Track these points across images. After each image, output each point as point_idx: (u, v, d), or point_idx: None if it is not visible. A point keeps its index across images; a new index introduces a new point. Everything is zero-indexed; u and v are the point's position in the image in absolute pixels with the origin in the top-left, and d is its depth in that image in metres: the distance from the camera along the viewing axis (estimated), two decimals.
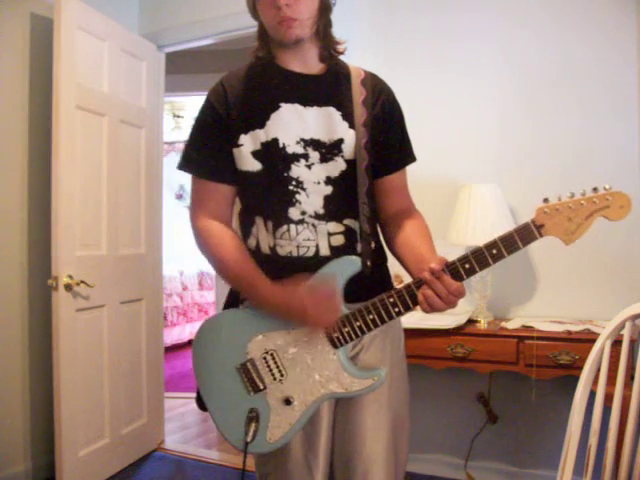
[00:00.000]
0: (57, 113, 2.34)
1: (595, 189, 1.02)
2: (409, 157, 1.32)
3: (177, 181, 6.95)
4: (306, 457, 1.21)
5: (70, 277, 2.36)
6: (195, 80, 4.15)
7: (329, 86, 1.25)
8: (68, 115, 2.39)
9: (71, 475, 2.35)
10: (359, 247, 1.22)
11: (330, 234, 1.20)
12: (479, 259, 1.06)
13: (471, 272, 1.06)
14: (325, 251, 1.20)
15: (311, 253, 1.19)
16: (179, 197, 7.13)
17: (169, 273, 5.28)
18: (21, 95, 2.56)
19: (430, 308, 1.07)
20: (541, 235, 1.04)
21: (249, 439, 1.15)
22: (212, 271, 6.14)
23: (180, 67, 3.87)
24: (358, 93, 1.24)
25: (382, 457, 1.21)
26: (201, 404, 1.26)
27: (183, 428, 3.29)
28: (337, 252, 1.20)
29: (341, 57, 1.30)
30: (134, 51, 2.84)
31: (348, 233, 1.21)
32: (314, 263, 1.18)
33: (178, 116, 6.35)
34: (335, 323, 1.14)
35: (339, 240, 1.20)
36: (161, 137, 3.15)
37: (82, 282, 2.39)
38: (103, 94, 2.61)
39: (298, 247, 1.20)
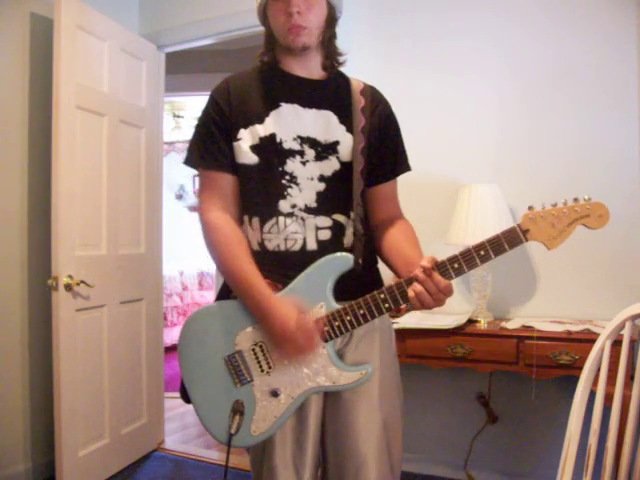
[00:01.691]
0: (57, 113, 2.34)
1: (576, 199, 1.09)
2: (402, 167, 1.37)
3: (177, 181, 6.95)
4: (293, 456, 1.22)
5: (70, 277, 2.36)
6: (195, 80, 4.15)
7: (329, 91, 1.30)
8: (68, 115, 2.39)
9: (71, 475, 2.35)
10: (345, 242, 1.25)
11: (318, 228, 1.23)
12: (467, 259, 1.10)
13: (459, 272, 1.11)
14: (312, 245, 1.22)
15: (298, 247, 1.22)
16: (179, 197, 7.13)
17: (169, 273, 5.28)
18: (21, 95, 2.56)
19: (420, 305, 1.12)
20: (526, 239, 1.10)
21: (233, 431, 1.16)
22: (212, 271, 6.14)
23: (180, 67, 3.87)
24: (357, 101, 1.30)
25: (374, 456, 1.21)
26: (185, 396, 1.26)
27: (183, 428, 3.29)
28: (324, 246, 1.22)
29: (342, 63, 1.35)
30: (134, 51, 2.84)
31: (336, 228, 1.24)
32: (301, 258, 1.21)
33: (178, 116, 6.35)
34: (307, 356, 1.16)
35: (326, 234, 1.23)
36: (161, 137, 3.15)
37: (82, 282, 2.39)
38: (103, 94, 2.61)
39: (286, 240, 1.22)
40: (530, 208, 1.09)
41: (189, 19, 3.00)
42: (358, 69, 2.61)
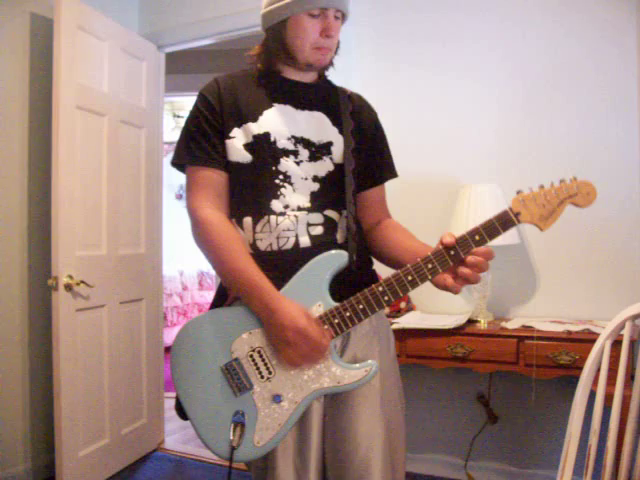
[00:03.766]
0: (57, 113, 2.34)
1: (562, 180, 1.11)
2: (389, 173, 1.40)
3: (177, 181, 6.95)
4: (296, 467, 1.18)
5: (70, 277, 2.36)
6: (195, 80, 4.15)
7: (320, 95, 1.32)
8: (68, 115, 2.39)
9: (71, 475, 2.35)
10: (338, 237, 1.24)
11: (310, 224, 1.22)
12: (464, 246, 1.10)
13: (456, 257, 1.11)
14: (305, 242, 1.20)
15: (290, 245, 1.20)
16: (179, 197, 7.12)
17: (169, 273, 5.28)
18: (21, 95, 2.56)
19: (475, 278, 1.10)
20: (519, 221, 1.11)
21: (235, 444, 1.11)
22: (212, 271, 6.11)
23: (180, 67, 3.88)
24: (345, 105, 1.32)
25: (377, 464, 1.18)
26: (181, 412, 1.21)
27: (183, 428, 3.29)
28: (317, 242, 1.21)
29: (338, 65, 1.36)
30: (134, 51, 2.84)
31: (327, 223, 1.24)
32: (295, 256, 1.19)
33: (178, 116, 6.35)
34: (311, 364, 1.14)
35: (318, 230, 1.22)
36: (161, 137, 3.15)
37: (82, 282, 2.40)
38: (103, 94, 2.61)
39: (278, 238, 1.20)
40: (519, 192, 1.11)
41: (189, 19, 3.00)
42: (358, 69, 2.62)
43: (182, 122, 6.49)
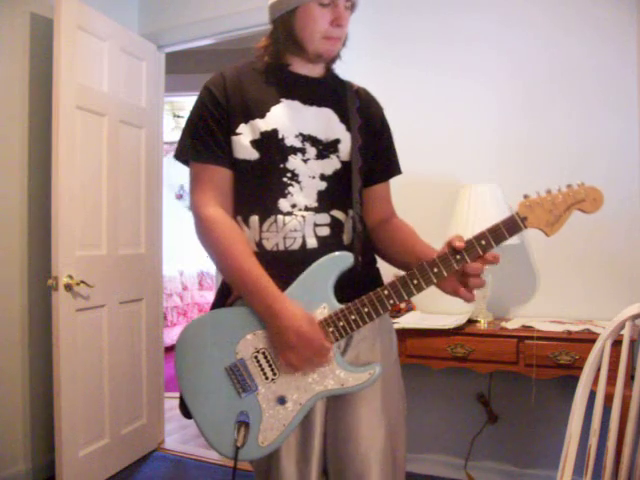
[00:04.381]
0: (57, 113, 2.34)
1: (569, 185, 1.10)
2: (395, 169, 1.39)
3: (177, 181, 6.95)
4: (299, 467, 1.18)
5: (70, 277, 2.36)
6: (195, 80, 4.14)
7: (328, 90, 1.30)
8: (68, 115, 2.39)
9: (71, 475, 2.35)
10: (345, 238, 1.23)
11: (316, 225, 1.20)
12: (470, 250, 1.10)
13: (461, 263, 1.11)
14: (312, 243, 1.19)
15: (297, 245, 1.19)
16: (179, 197, 7.13)
17: (169, 273, 5.28)
18: (21, 95, 2.56)
19: (480, 283, 1.12)
20: (525, 226, 1.10)
21: (239, 444, 1.11)
22: (212, 271, 6.09)
23: (180, 67, 3.88)
24: (352, 101, 1.30)
25: (377, 463, 1.18)
26: (185, 411, 1.21)
27: (183, 428, 3.29)
28: (323, 242, 1.20)
29: (341, 61, 1.35)
30: (134, 51, 2.84)
31: (334, 224, 1.22)
32: (301, 256, 1.18)
33: (178, 116, 6.36)
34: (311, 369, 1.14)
35: (325, 231, 1.21)
36: (161, 137, 3.15)
37: (82, 282, 2.40)
38: (103, 94, 2.61)
39: (285, 238, 1.19)
40: (526, 197, 1.10)
41: (189, 19, 3.00)
42: (358, 69, 2.61)
43: (182, 122, 6.52)
